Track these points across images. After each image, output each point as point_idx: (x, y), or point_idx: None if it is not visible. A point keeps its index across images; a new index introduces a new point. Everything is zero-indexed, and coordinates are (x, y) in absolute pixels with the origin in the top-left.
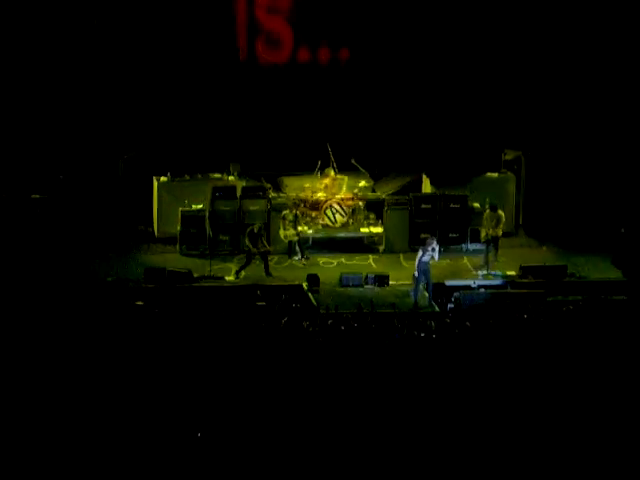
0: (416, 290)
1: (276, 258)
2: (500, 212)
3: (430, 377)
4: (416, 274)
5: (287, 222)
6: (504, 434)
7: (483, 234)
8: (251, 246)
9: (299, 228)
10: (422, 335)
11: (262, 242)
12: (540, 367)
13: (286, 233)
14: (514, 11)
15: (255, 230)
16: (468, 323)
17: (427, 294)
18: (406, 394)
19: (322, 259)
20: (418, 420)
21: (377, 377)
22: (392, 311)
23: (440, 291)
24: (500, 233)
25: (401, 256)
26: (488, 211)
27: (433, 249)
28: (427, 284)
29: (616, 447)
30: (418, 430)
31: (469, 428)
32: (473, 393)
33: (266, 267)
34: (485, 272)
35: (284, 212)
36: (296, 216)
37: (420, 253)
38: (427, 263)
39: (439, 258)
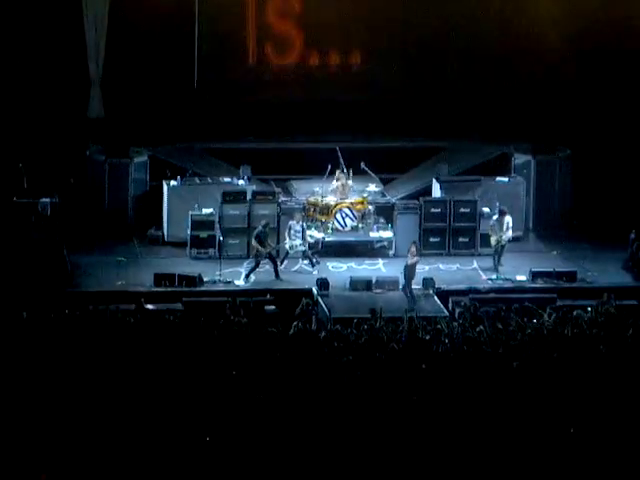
0: (410, 294)
1: (285, 262)
2: (508, 217)
3: (437, 381)
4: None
5: (293, 232)
6: (510, 438)
7: (494, 241)
8: (259, 247)
9: (307, 238)
10: (428, 338)
11: (268, 243)
12: (550, 371)
13: (293, 243)
14: (522, 17)
15: (262, 229)
16: (481, 327)
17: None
18: (414, 398)
19: (331, 263)
20: (426, 424)
21: (385, 381)
22: (402, 316)
23: (449, 295)
24: (508, 238)
25: None
26: (496, 217)
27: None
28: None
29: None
30: (426, 434)
31: (475, 431)
32: (480, 397)
33: (275, 270)
34: (495, 277)
35: (290, 223)
36: (303, 227)
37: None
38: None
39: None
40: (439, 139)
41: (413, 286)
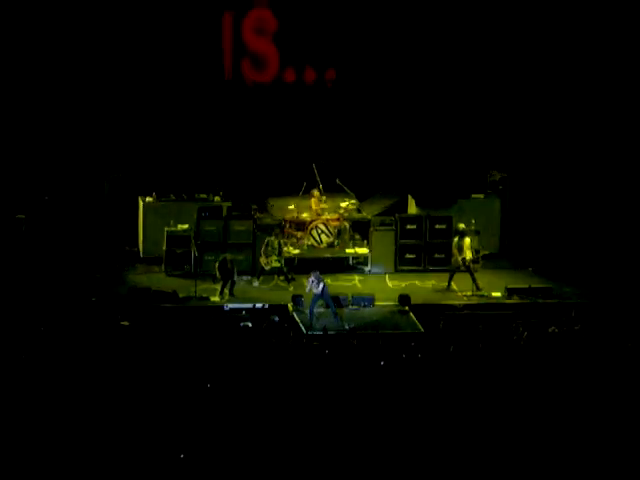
0: (311, 315)
1: (262, 278)
2: (466, 239)
3: (414, 398)
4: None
5: (270, 249)
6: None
7: (453, 261)
8: (218, 274)
9: (283, 254)
10: (404, 356)
11: (234, 270)
12: (525, 387)
13: (267, 260)
14: (499, 35)
15: (228, 259)
16: (453, 345)
17: (333, 319)
18: (390, 415)
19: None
20: (401, 442)
21: (362, 397)
22: (375, 332)
23: (426, 312)
24: (468, 258)
25: (386, 277)
26: (457, 238)
27: (312, 282)
28: (330, 307)
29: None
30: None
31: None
32: (456, 412)
33: (232, 287)
34: (470, 293)
35: (268, 239)
36: (280, 244)
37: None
38: (318, 293)
39: (316, 290)
40: (414, 156)
41: (385, 302)
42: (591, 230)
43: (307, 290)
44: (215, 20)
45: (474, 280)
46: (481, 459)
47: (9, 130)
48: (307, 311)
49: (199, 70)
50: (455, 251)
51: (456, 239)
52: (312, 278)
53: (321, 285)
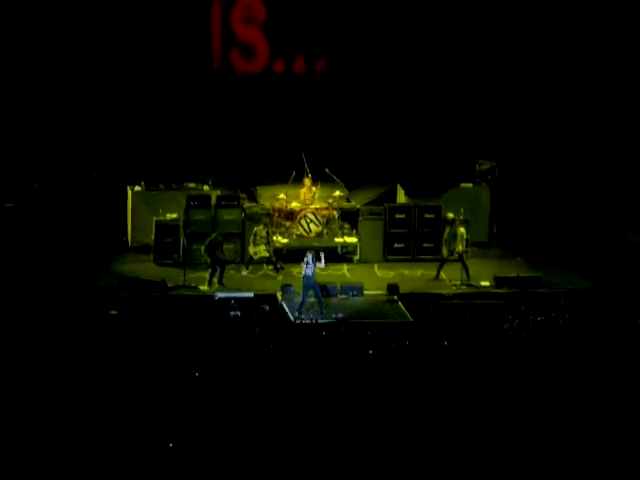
0: (301, 305)
1: (251, 268)
2: (461, 229)
3: (402, 387)
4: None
5: (258, 238)
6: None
7: (445, 252)
8: (206, 256)
9: (272, 243)
10: (394, 347)
11: (221, 252)
12: (514, 377)
13: (256, 249)
14: (486, 24)
15: (216, 240)
16: (444, 334)
17: (319, 309)
18: (379, 404)
19: (296, 269)
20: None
21: (351, 386)
22: (365, 321)
23: (414, 301)
24: (460, 249)
25: (375, 266)
26: (448, 228)
27: (307, 263)
28: (317, 297)
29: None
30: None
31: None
32: (446, 403)
33: (221, 276)
34: (459, 283)
35: (256, 229)
36: (268, 233)
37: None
38: (311, 277)
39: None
40: (403, 145)
41: (374, 291)
42: (580, 219)
43: (308, 273)
44: (204, 9)
45: (467, 270)
46: (471, 449)
47: None
48: (296, 300)
49: (188, 59)
50: (445, 241)
51: (448, 229)
52: (308, 259)
53: (312, 268)
